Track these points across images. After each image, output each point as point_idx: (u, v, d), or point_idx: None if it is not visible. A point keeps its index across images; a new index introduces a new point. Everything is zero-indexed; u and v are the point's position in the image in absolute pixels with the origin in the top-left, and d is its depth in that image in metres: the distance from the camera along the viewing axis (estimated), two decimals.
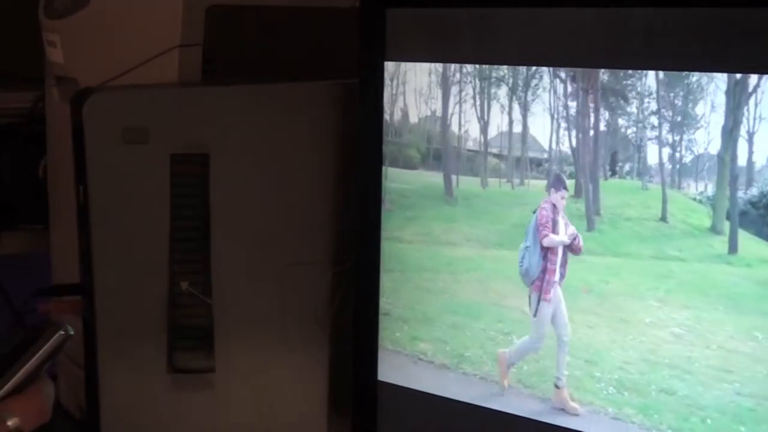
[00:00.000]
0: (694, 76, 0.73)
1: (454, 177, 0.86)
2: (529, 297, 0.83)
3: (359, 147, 0.89)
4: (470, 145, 0.85)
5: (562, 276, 0.81)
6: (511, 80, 0.82)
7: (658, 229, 0.76)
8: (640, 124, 0.76)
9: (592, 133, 0.79)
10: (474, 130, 0.85)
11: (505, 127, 0.83)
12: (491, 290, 0.86)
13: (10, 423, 0.73)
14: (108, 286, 0.87)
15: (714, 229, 0.74)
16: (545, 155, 0.81)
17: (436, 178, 0.87)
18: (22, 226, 1.27)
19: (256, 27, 0.97)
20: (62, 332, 0.75)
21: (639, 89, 0.76)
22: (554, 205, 0.80)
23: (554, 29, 0.78)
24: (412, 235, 0.89)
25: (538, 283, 0.82)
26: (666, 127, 0.75)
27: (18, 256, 1.26)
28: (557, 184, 0.80)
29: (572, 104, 0.79)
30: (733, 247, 0.74)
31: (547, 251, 0.81)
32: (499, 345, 0.86)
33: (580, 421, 0.81)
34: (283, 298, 0.93)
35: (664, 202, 0.75)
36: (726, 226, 0.74)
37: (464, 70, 0.84)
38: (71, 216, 0.90)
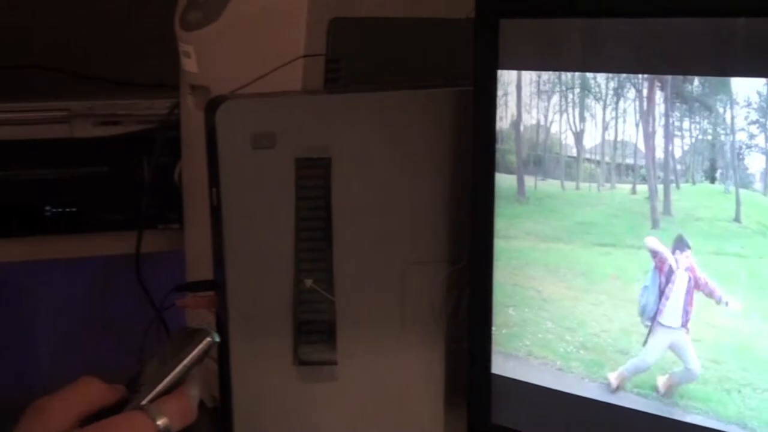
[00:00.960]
0: None
1: (532, 178, 0.87)
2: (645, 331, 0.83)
3: (474, 151, 0.90)
4: (557, 149, 0.86)
5: (686, 320, 0.80)
6: (598, 88, 0.82)
7: (727, 229, 0.76)
8: (724, 131, 0.76)
9: (672, 138, 0.79)
10: (564, 136, 0.85)
11: (592, 133, 0.84)
12: (522, 274, 0.88)
13: (159, 423, 0.76)
14: (239, 283, 0.89)
15: None
16: (630, 161, 0.82)
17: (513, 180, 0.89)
18: (160, 226, 1.30)
19: (376, 37, 0.98)
20: (209, 339, 0.78)
21: (724, 96, 0.76)
22: (676, 261, 0.80)
23: (662, 38, 0.78)
24: None
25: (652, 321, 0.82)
26: (751, 132, 0.75)
27: (156, 255, 1.29)
28: (681, 245, 0.79)
29: (657, 111, 0.80)
30: None
31: (665, 288, 0.81)
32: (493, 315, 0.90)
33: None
34: (401, 295, 0.94)
35: (738, 204, 0.76)
36: None
37: (561, 78, 0.84)
38: (204, 216, 0.93)
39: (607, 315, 0.84)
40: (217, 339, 0.79)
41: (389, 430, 0.96)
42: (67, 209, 1.27)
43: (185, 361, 0.78)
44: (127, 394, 0.79)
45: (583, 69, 0.82)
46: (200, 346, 0.78)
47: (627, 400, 0.84)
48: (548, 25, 0.84)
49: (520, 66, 0.86)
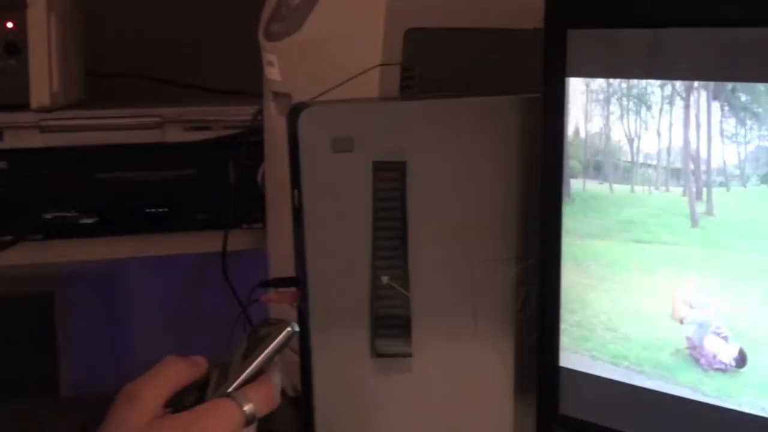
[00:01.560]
0: None
1: (580, 181, 0.89)
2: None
3: (543, 155, 0.91)
4: (609, 153, 0.87)
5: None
6: (651, 95, 0.83)
7: None
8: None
9: (721, 143, 0.80)
10: (617, 141, 0.87)
11: (644, 138, 0.85)
12: None
13: (246, 408, 0.78)
14: (319, 279, 0.91)
15: None
16: (678, 165, 0.83)
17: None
18: (244, 226, 1.32)
19: (449, 47, 0.99)
20: (290, 329, 0.80)
21: None
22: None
23: (723, 46, 0.79)
24: None
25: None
26: None
27: (241, 252, 1.31)
28: None
29: (707, 116, 0.80)
30: None
31: None
32: None
33: None
34: (473, 291, 0.95)
35: None
36: None
37: (613, 85, 0.85)
38: (286, 216, 0.95)
39: (614, 300, 0.87)
40: (297, 329, 0.81)
41: (461, 419, 0.97)
42: (160, 209, 1.30)
43: (268, 350, 0.80)
44: (209, 367, 0.81)
45: (647, 76, 0.83)
46: (281, 336, 0.80)
47: (693, 393, 0.84)
48: (614, 35, 0.85)
49: (586, 74, 0.87)
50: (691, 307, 0.83)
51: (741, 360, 0.81)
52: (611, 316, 0.88)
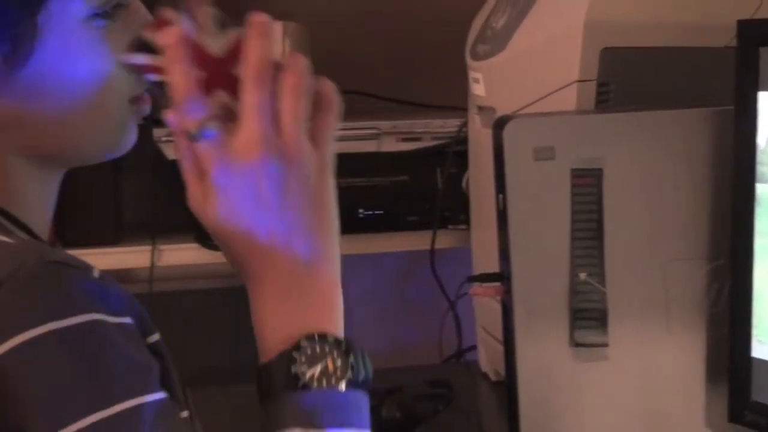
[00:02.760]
0: None
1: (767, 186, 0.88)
2: None
3: (736, 163, 0.91)
4: None
5: None
6: None
7: None
8: None
9: None
10: None
11: None
12: None
13: None
14: (522, 275, 0.93)
15: None
16: None
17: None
18: (450, 227, 1.36)
19: (642, 64, 1.00)
20: None
21: None
22: None
23: None
24: None
25: None
26: None
27: (447, 251, 1.36)
28: None
29: None
30: None
31: None
32: None
33: None
34: (665, 288, 0.96)
35: None
36: None
37: None
38: (490, 218, 0.98)
39: None
40: None
41: (655, 405, 0.98)
42: (376, 211, 1.36)
43: None
44: None
45: None
46: None
47: None
48: None
49: None
50: None
51: None
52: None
